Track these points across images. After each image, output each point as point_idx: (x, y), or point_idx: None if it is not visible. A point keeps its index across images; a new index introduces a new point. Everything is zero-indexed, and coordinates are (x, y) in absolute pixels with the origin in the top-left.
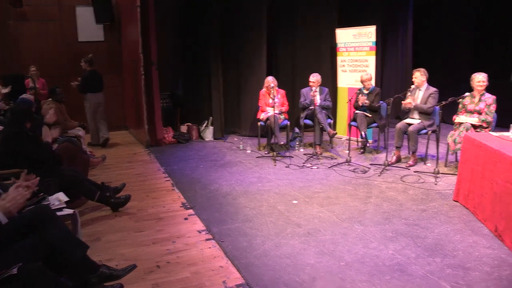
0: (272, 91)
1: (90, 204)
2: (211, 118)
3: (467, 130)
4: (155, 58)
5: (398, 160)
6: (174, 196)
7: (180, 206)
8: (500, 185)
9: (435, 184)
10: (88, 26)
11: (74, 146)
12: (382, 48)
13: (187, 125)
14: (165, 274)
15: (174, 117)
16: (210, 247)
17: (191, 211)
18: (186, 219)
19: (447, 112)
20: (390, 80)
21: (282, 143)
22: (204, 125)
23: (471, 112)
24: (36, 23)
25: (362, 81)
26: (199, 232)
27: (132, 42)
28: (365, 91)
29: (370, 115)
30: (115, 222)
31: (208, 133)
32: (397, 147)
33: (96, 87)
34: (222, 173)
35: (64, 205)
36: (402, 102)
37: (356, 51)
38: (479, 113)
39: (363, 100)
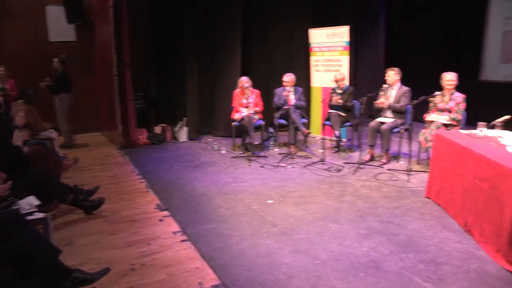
0: (246, 91)
1: (62, 208)
2: (185, 119)
3: (437, 128)
4: (129, 59)
5: (372, 158)
6: (149, 197)
7: (155, 208)
8: (469, 181)
9: (408, 181)
10: (59, 26)
11: (46, 149)
12: (356, 48)
13: (161, 126)
14: (140, 277)
15: (148, 118)
16: (185, 248)
17: (166, 213)
18: (161, 220)
19: (418, 110)
20: (364, 79)
21: (256, 143)
22: (179, 126)
23: (442, 110)
24: (5, 22)
25: (336, 81)
26: (174, 233)
27: (105, 42)
28: (339, 91)
29: (344, 114)
30: (89, 225)
31: (183, 134)
32: (370, 146)
33: (69, 87)
34: (197, 174)
35: (36, 209)
36: (375, 102)
37: (330, 51)
38: (449, 111)
39: (336, 99)
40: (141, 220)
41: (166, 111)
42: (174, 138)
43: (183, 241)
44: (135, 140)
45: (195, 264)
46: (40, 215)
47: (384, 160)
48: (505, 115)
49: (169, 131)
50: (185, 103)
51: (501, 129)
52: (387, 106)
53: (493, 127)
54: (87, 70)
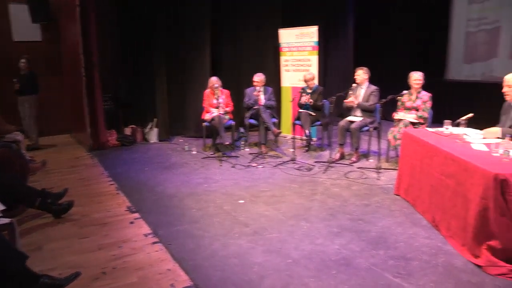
0: (217, 92)
1: (30, 212)
2: (155, 119)
3: (405, 126)
4: (97, 59)
5: (342, 157)
6: (119, 200)
7: (126, 210)
8: (436, 178)
9: (378, 179)
10: (23, 25)
11: (12, 151)
12: (325, 48)
13: (131, 127)
14: (111, 280)
15: (118, 120)
16: (157, 251)
17: (137, 215)
18: (132, 223)
19: (387, 109)
20: (333, 79)
21: (227, 143)
22: (149, 127)
23: (409, 109)
24: None
25: (305, 81)
26: (146, 235)
27: (72, 42)
28: (309, 90)
29: (313, 114)
30: (58, 229)
31: (153, 135)
32: (340, 144)
33: (37, 88)
34: (168, 175)
35: (0, 214)
36: (345, 100)
37: (299, 51)
38: (417, 110)
39: (307, 99)
40: (112, 223)
41: (135, 112)
42: (144, 139)
43: (154, 243)
44: (104, 141)
45: (167, 266)
46: (5, 220)
47: (354, 159)
48: (468, 113)
49: (139, 132)
50: (155, 104)
51: (465, 127)
52: (356, 105)
53: (458, 125)
54: (53, 71)
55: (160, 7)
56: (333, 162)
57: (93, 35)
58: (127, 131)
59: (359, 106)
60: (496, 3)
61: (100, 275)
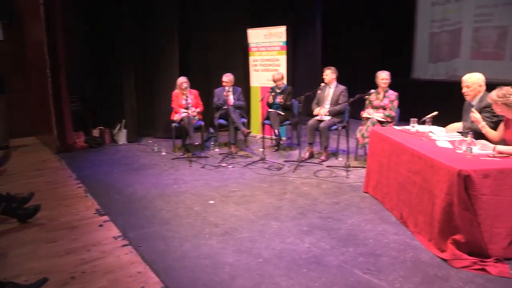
0: (185, 92)
1: None
2: (124, 121)
3: (373, 125)
4: (63, 60)
5: (311, 156)
6: (88, 203)
7: (94, 213)
8: (403, 175)
9: (347, 177)
10: None
11: None
12: (293, 47)
13: (99, 128)
14: (80, 285)
15: (86, 121)
16: (127, 253)
17: (106, 217)
18: (101, 226)
19: (355, 108)
20: (301, 78)
21: (197, 143)
22: (117, 128)
23: (377, 107)
24: None
25: (274, 81)
26: (115, 238)
27: (37, 42)
28: (278, 90)
29: (282, 113)
30: (24, 234)
31: (122, 137)
32: (310, 144)
33: (4, 88)
34: (137, 177)
35: None
36: (314, 113)
37: (268, 50)
38: (384, 108)
39: (279, 99)
40: (80, 226)
41: (103, 114)
42: (113, 140)
43: (124, 245)
44: (72, 144)
45: (137, 269)
46: None
47: (323, 157)
48: (434, 111)
49: (107, 134)
50: (123, 104)
51: (431, 125)
52: (327, 114)
53: (423, 122)
54: (17, 71)
55: (127, 7)
56: (302, 161)
57: (58, 34)
58: (95, 132)
59: (330, 113)
60: (457, 5)
61: (69, 280)
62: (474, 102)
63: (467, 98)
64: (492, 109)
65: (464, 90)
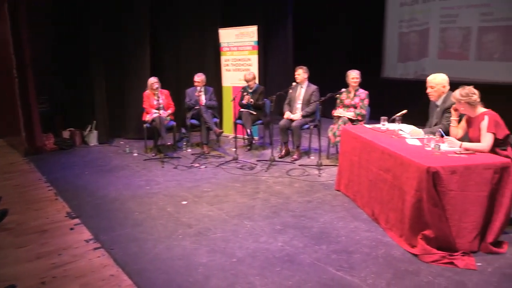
0: (156, 92)
1: None
2: (94, 122)
3: (344, 123)
4: (30, 60)
5: (287, 153)
6: (58, 206)
7: (65, 216)
8: (374, 172)
9: (319, 176)
10: None
11: None
12: (265, 47)
13: (69, 130)
14: None
15: (55, 122)
16: (99, 256)
17: (77, 220)
18: (72, 229)
19: (326, 107)
20: (273, 78)
21: (169, 144)
22: (88, 129)
23: (348, 106)
24: None
25: (245, 81)
26: (87, 241)
27: (2, 41)
28: (250, 90)
29: (254, 113)
30: None
31: (93, 138)
32: (284, 143)
33: None
34: (109, 179)
35: None
36: (286, 117)
37: (239, 50)
38: (355, 107)
39: (247, 99)
40: (51, 230)
41: (73, 115)
42: (84, 142)
43: (96, 248)
44: (41, 146)
45: (110, 272)
46: None
47: (295, 156)
48: (403, 109)
49: (78, 136)
50: (93, 105)
51: (400, 123)
52: (300, 118)
53: (393, 121)
54: None
55: (97, 6)
56: (279, 159)
57: (24, 33)
58: (65, 134)
59: (303, 116)
60: (424, 6)
61: (39, 286)
62: (439, 102)
63: (431, 98)
64: None
65: (429, 90)
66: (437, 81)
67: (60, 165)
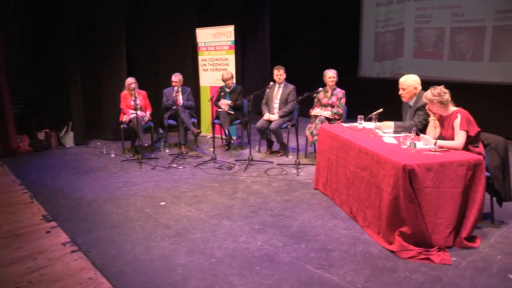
0: (134, 93)
1: None
2: (71, 123)
3: (322, 122)
4: (3, 60)
5: (270, 146)
6: (34, 209)
7: (41, 219)
8: (352, 170)
9: (297, 175)
10: None
11: None
12: (242, 47)
13: (45, 131)
14: None
15: (30, 124)
16: (76, 259)
17: (53, 223)
18: (48, 232)
19: (304, 106)
20: (250, 78)
21: (146, 145)
22: (64, 130)
23: (325, 105)
24: None
25: (223, 80)
26: (64, 244)
27: None
28: (227, 90)
29: (232, 112)
30: None
31: (69, 139)
32: (266, 141)
33: None
34: (86, 180)
35: None
36: (264, 118)
37: (217, 50)
38: (332, 106)
39: (224, 106)
40: (26, 234)
41: (49, 116)
42: (60, 144)
43: (73, 251)
44: (15, 148)
45: (88, 275)
46: None
47: (282, 153)
48: (379, 108)
49: (53, 137)
50: (69, 106)
51: (377, 121)
52: (277, 118)
53: (370, 119)
54: None
55: (72, 5)
56: (253, 159)
57: None
58: (41, 135)
59: (280, 117)
60: (399, 6)
61: None
62: (411, 103)
63: (403, 99)
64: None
65: (401, 92)
66: (408, 83)
67: (35, 167)
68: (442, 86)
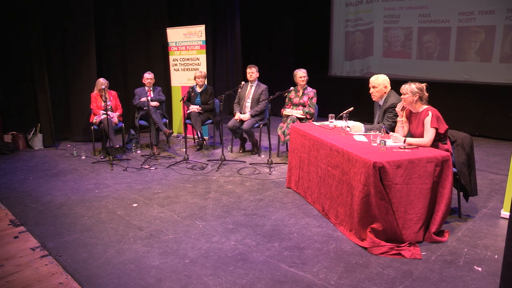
0: (104, 93)
1: None
2: (39, 124)
3: (293, 122)
4: None
5: (244, 143)
6: (0, 213)
7: (9, 224)
8: (323, 169)
9: (270, 174)
10: None
11: None
12: (213, 47)
13: (11, 133)
14: None
15: None
16: (46, 264)
17: (21, 228)
18: (16, 237)
19: (276, 105)
20: (222, 77)
21: (118, 146)
22: (32, 132)
23: (297, 105)
24: None
25: (194, 77)
26: (33, 249)
27: None
28: (198, 90)
29: (203, 112)
30: None
31: (37, 141)
32: (240, 139)
33: None
34: (56, 183)
35: None
36: (235, 118)
37: (188, 49)
38: (303, 105)
39: (195, 110)
40: None
41: (16, 117)
42: (28, 146)
43: (43, 256)
44: None
45: (59, 280)
46: None
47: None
48: (350, 107)
49: (21, 139)
50: (37, 107)
51: (348, 120)
52: (249, 117)
53: (341, 118)
54: None
55: (39, 7)
56: (225, 159)
57: None
58: (7, 138)
59: (252, 116)
60: (368, 6)
61: None
62: (381, 102)
63: (374, 98)
64: (394, 110)
65: (371, 90)
66: (379, 81)
67: (1, 171)
68: (425, 84)
